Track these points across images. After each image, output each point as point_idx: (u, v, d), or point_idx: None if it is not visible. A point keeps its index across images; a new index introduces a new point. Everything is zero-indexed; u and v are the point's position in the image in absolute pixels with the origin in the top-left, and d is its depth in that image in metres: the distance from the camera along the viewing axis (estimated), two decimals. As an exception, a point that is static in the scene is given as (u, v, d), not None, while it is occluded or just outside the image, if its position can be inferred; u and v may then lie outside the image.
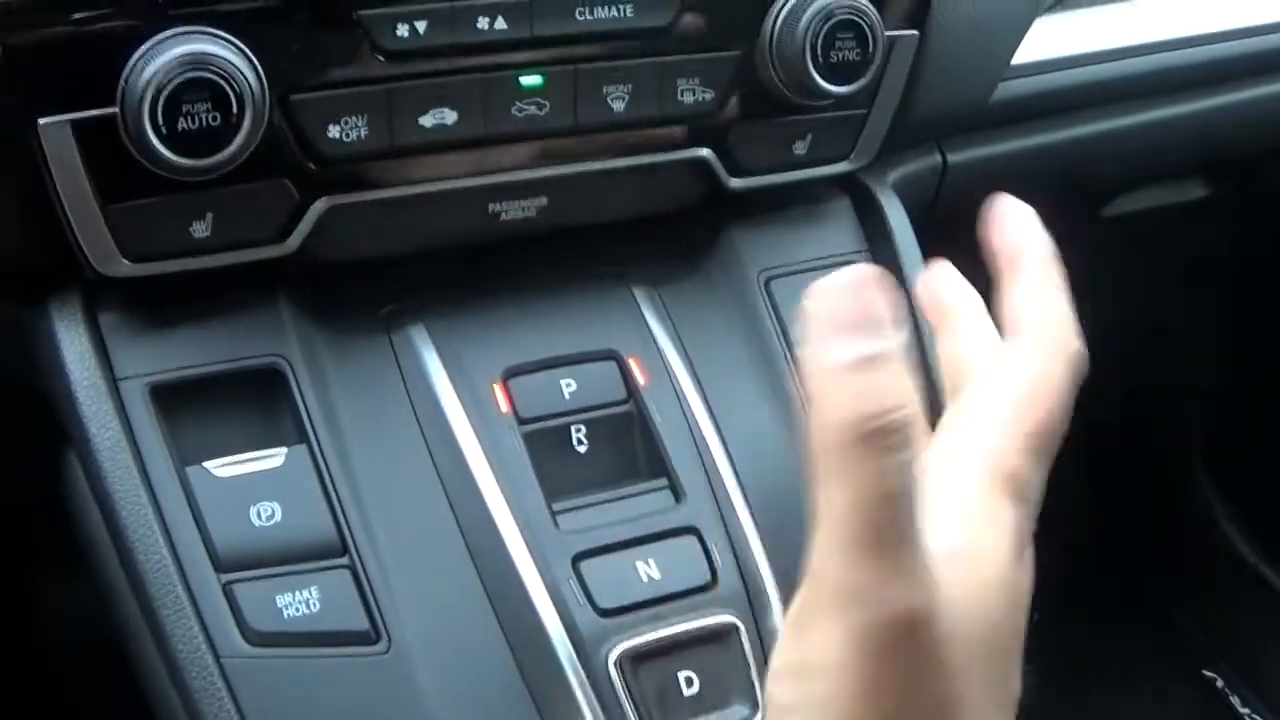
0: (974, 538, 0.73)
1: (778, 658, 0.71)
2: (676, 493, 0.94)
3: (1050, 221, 1.55)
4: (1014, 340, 0.79)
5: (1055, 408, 0.76)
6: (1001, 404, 0.77)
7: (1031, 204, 1.42)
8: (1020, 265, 0.82)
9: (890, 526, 0.66)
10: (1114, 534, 2.44)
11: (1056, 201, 1.47)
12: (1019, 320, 0.80)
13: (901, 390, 0.65)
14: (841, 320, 0.66)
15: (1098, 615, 2.36)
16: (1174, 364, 2.30)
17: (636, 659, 0.87)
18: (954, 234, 1.16)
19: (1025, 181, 1.32)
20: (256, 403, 0.92)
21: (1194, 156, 1.48)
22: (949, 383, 0.84)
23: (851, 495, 0.66)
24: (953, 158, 1.22)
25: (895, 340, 0.65)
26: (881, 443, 0.65)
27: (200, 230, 0.88)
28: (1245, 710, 2.21)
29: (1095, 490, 2.47)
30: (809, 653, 0.69)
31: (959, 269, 1.10)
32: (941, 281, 0.90)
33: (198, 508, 0.88)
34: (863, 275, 0.65)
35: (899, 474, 0.65)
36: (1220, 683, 2.25)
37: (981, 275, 1.32)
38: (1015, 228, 0.84)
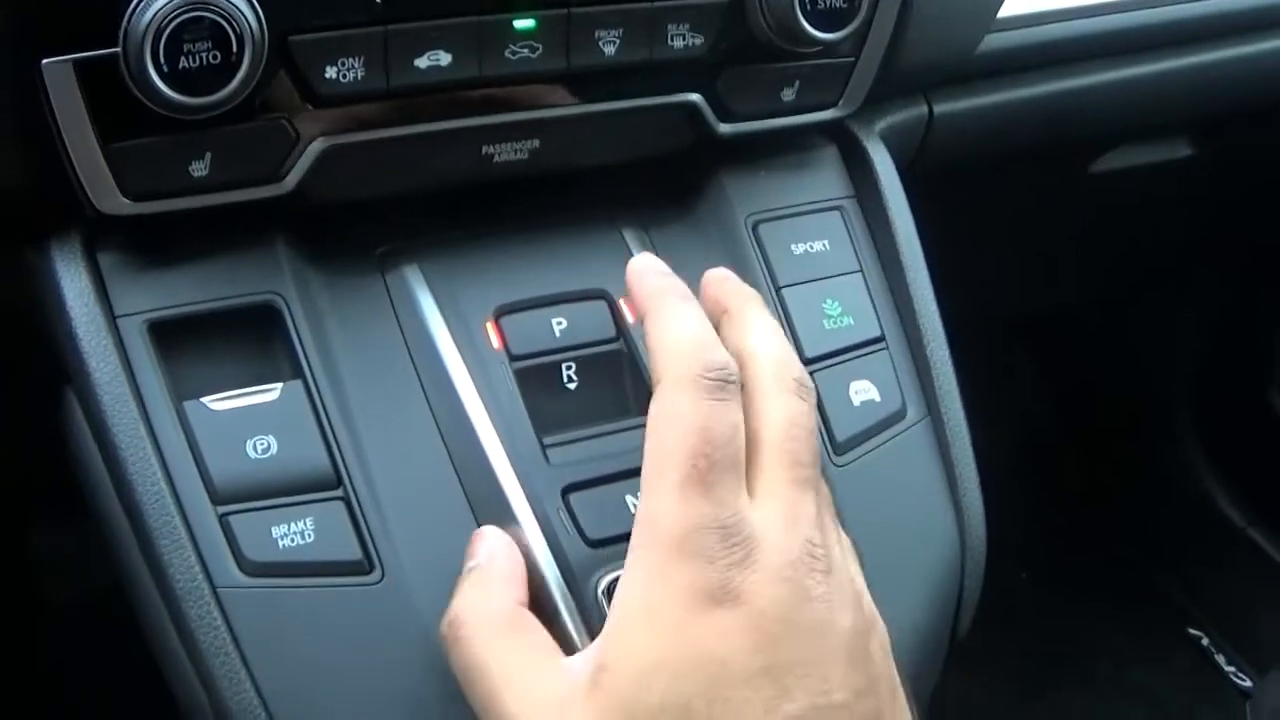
0: (627, 631, 0.79)
1: None
2: (664, 428, 0.95)
3: (1037, 178, 1.57)
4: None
5: (685, 442, 0.80)
6: (643, 477, 0.81)
7: (1018, 159, 1.44)
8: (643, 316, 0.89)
9: (476, 701, 0.83)
10: (1101, 497, 2.46)
11: (1044, 157, 1.50)
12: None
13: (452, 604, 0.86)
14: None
15: (1085, 578, 2.38)
16: (1160, 325, 2.31)
17: (625, 588, 0.88)
18: (939, 184, 1.18)
19: (1010, 134, 1.34)
20: (253, 339, 0.94)
21: (1179, 113, 1.49)
22: None
23: None
24: (939, 109, 1.23)
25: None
26: (448, 645, 0.84)
27: (199, 169, 0.89)
28: (1230, 669, 2.23)
29: (1083, 454, 2.48)
30: None
31: (940, 219, 1.12)
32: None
33: (194, 441, 0.89)
34: None
35: (459, 663, 0.84)
36: (1205, 641, 2.27)
37: (967, 225, 1.34)
38: (635, 281, 0.91)
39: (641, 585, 0.79)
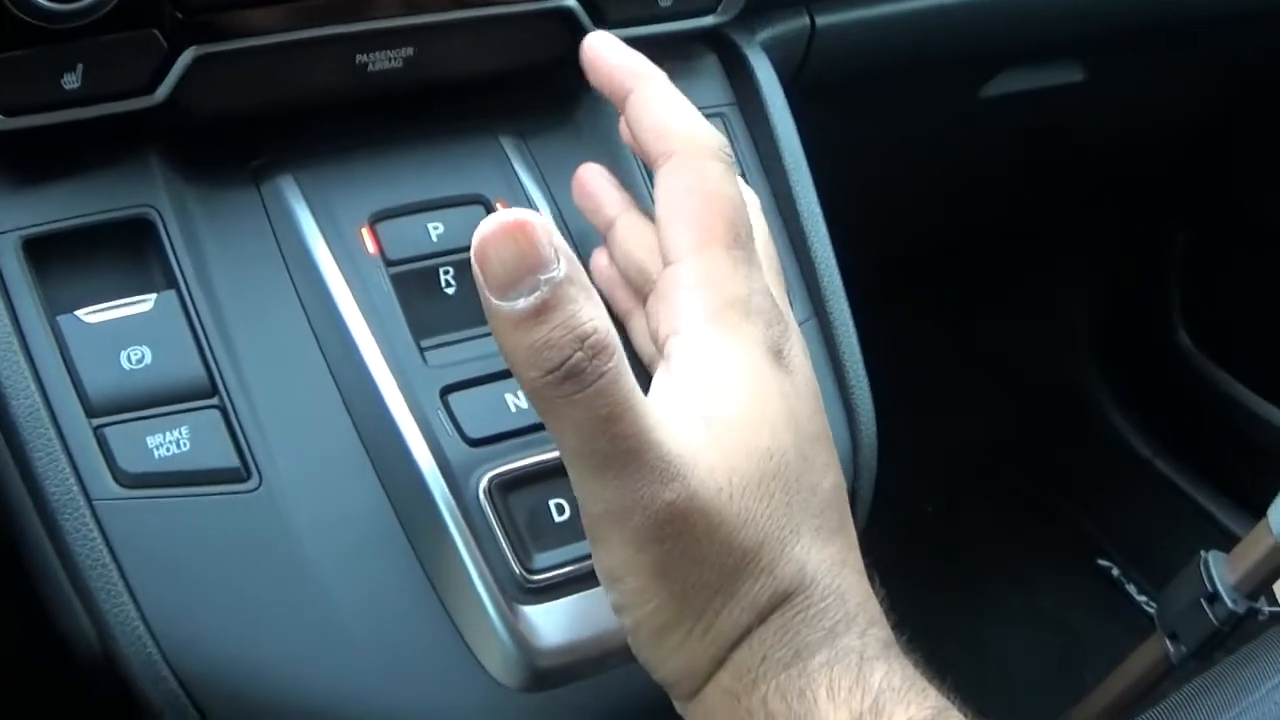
0: (723, 383, 0.79)
1: (595, 567, 0.78)
2: (545, 329, 0.95)
3: (928, 100, 1.57)
4: (660, 169, 0.84)
5: (727, 208, 0.82)
6: (683, 241, 0.82)
7: (907, 80, 1.44)
8: (630, 89, 0.89)
9: (620, 443, 0.72)
10: (1006, 429, 2.47)
11: (933, 78, 1.50)
12: (650, 144, 0.86)
13: (579, 324, 0.71)
14: (505, 272, 0.70)
15: (993, 510, 2.40)
16: (1061, 254, 2.33)
17: (506, 487, 0.88)
18: (823, 98, 1.18)
19: (896, 49, 1.34)
20: (127, 252, 0.93)
21: (1068, 30, 1.49)
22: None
23: (573, 431, 0.72)
24: (821, 20, 1.23)
25: (561, 272, 0.71)
26: (577, 381, 0.71)
27: (71, 81, 0.88)
28: (1141, 598, 2.25)
29: (987, 386, 2.50)
30: (609, 564, 0.76)
31: (828, 134, 1.12)
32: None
33: (68, 354, 0.88)
34: (516, 219, 0.70)
35: (606, 397, 0.71)
36: (1116, 571, 2.29)
37: (852, 139, 1.33)
38: (613, 55, 0.91)
39: (723, 343, 0.80)
